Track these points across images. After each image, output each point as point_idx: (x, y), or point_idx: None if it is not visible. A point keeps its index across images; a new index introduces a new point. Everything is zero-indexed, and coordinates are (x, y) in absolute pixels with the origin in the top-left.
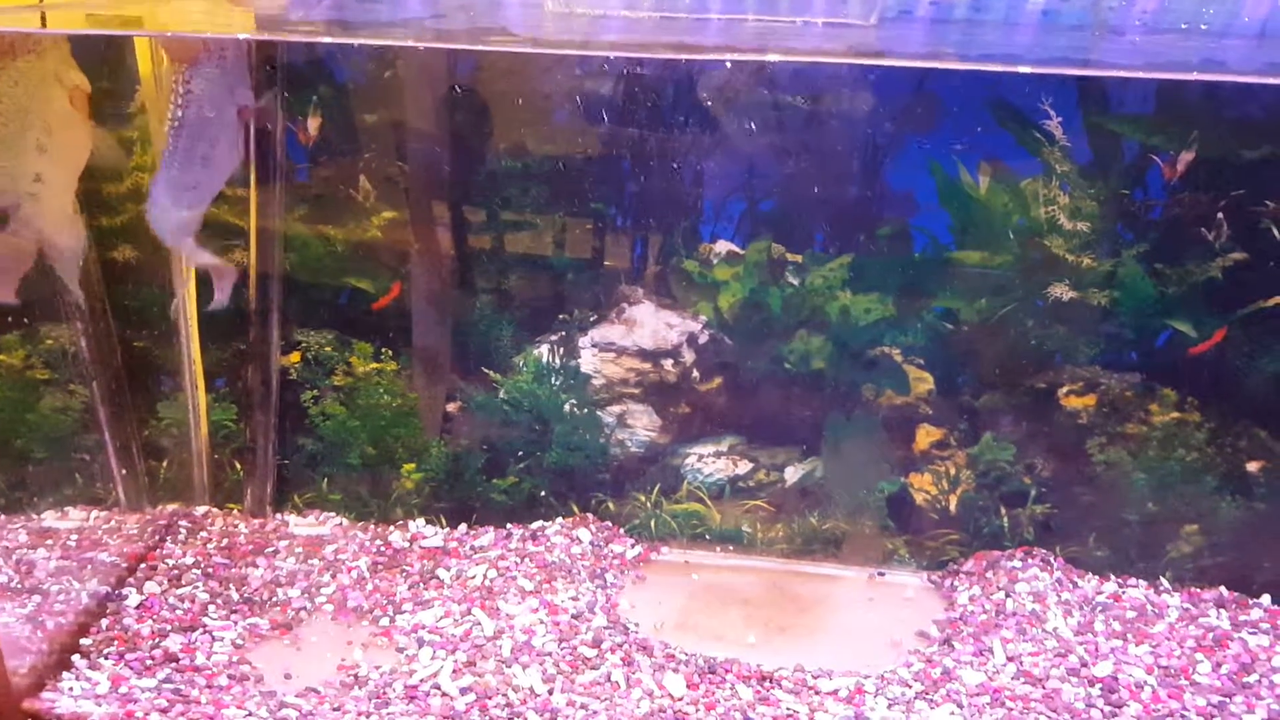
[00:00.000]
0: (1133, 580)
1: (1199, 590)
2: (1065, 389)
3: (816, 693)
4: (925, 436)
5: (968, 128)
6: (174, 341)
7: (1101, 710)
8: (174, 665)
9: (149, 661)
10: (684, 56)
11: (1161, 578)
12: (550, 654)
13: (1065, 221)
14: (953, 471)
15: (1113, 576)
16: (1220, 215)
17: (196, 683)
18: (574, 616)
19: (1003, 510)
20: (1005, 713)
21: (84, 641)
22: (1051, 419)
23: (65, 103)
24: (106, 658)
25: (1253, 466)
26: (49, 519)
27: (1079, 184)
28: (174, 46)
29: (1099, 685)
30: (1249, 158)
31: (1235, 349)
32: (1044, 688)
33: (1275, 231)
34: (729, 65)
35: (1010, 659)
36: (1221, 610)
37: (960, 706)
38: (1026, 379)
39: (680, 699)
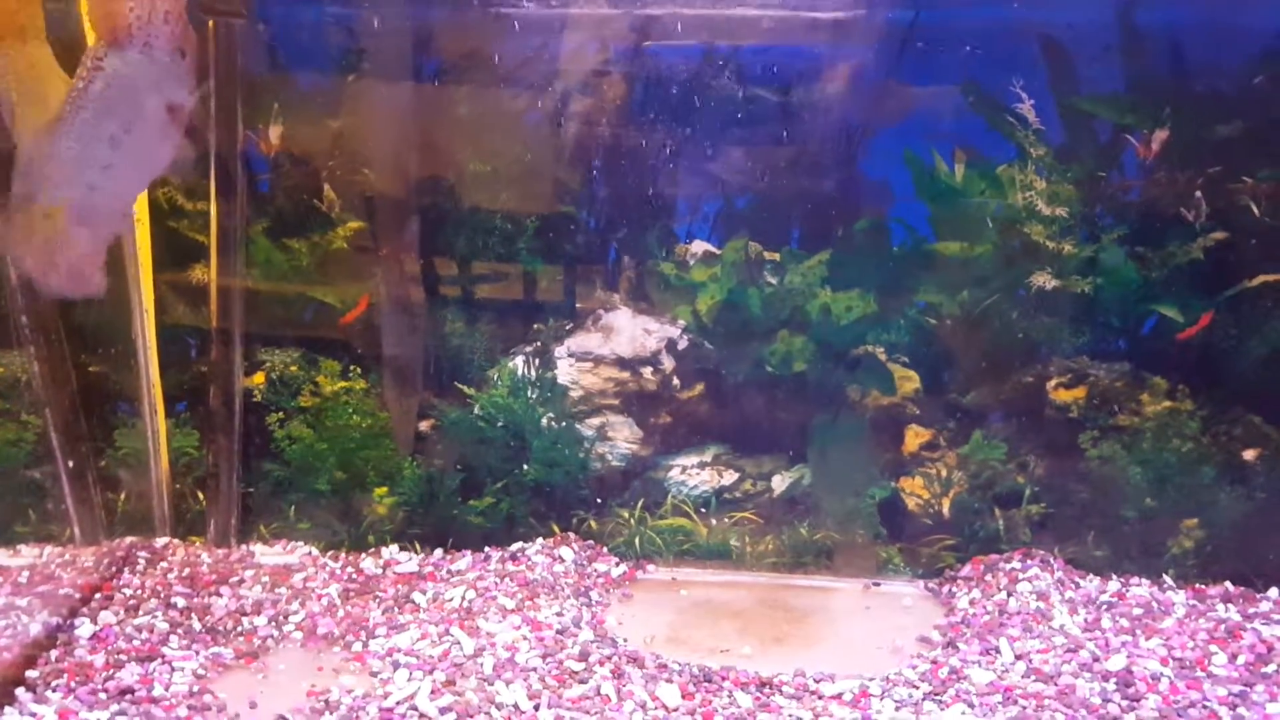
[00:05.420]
0: (1135, 579)
1: (1204, 587)
2: (1054, 381)
3: (819, 697)
4: (914, 438)
5: (941, 114)
6: (132, 364)
7: (1119, 704)
8: (129, 697)
9: (102, 694)
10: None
11: (1165, 575)
12: (535, 669)
13: (1044, 207)
14: (944, 473)
15: (1114, 576)
16: (1198, 194)
17: (154, 715)
18: (559, 631)
19: (997, 512)
20: (1019, 710)
21: (30, 674)
22: (1042, 414)
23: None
24: (54, 690)
25: (1249, 455)
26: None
27: (1055, 167)
28: (99, 23)
29: (1114, 679)
30: (1223, 133)
31: (1223, 332)
32: (1056, 684)
33: (1254, 209)
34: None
35: (1019, 657)
36: (1229, 605)
37: (971, 706)
38: (1014, 373)
39: (676, 709)
